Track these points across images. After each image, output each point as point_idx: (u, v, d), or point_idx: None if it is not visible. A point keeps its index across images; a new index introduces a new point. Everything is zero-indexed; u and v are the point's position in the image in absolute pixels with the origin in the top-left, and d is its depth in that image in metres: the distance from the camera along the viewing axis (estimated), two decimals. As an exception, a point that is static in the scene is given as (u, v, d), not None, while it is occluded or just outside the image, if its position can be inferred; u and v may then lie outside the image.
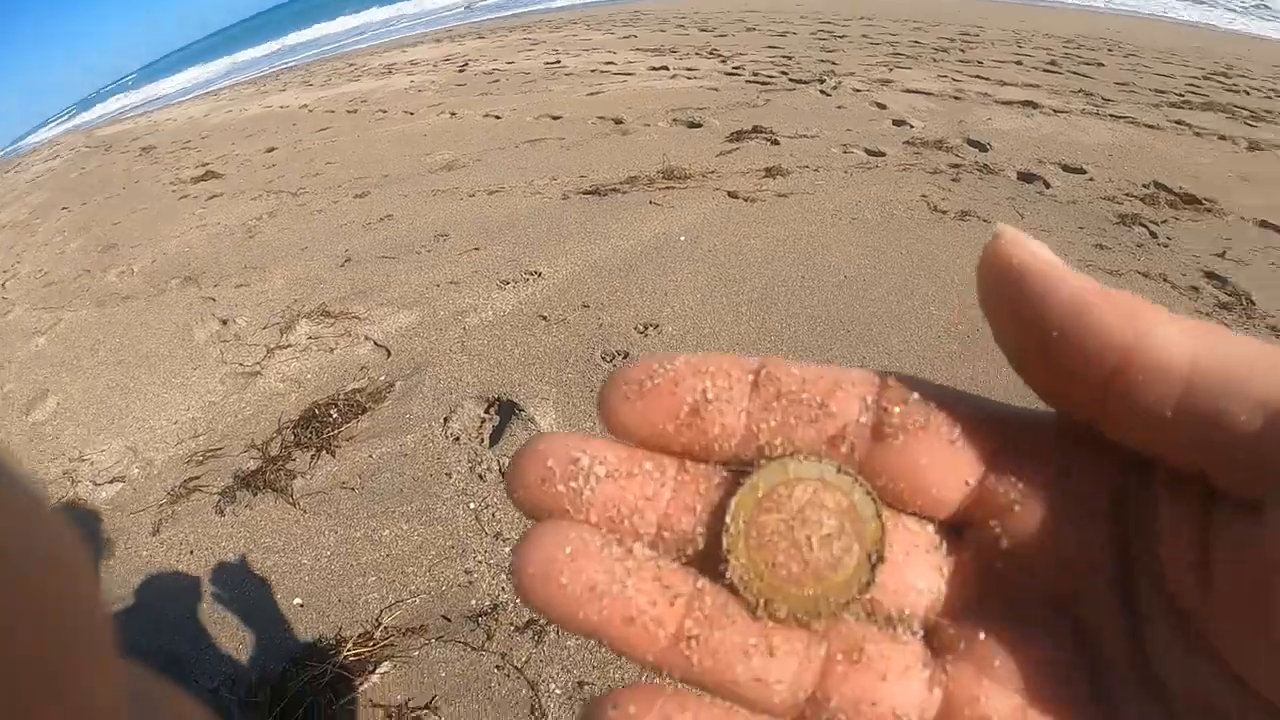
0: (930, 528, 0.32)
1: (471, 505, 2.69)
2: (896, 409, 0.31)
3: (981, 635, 0.30)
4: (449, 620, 2.30)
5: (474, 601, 2.34)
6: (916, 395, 0.31)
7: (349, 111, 9.82)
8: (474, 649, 2.20)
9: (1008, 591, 0.31)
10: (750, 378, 0.32)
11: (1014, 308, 0.29)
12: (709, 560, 0.31)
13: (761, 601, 0.30)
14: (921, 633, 0.31)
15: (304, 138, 8.77)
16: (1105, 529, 0.29)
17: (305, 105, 11.14)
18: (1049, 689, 0.29)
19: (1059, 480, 0.30)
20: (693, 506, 0.32)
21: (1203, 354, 0.26)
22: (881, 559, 0.31)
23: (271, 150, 8.40)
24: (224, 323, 4.28)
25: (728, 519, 0.31)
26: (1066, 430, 0.31)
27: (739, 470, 0.32)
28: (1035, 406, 0.33)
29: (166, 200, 7.25)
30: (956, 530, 0.32)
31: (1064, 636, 0.30)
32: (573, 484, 0.31)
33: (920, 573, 0.31)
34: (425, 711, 2.08)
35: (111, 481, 3.16)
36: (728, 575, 0.31)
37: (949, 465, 0.31)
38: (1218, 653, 0.26)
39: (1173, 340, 0.26)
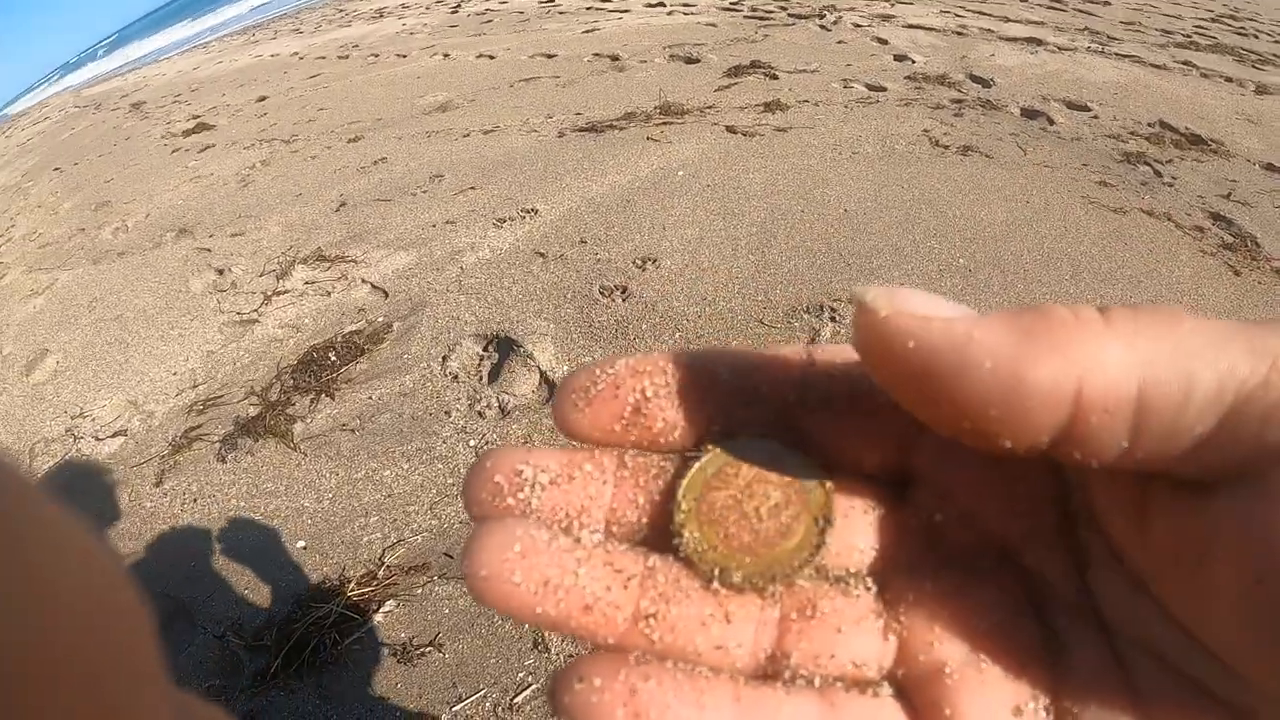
0: (874, 486, 0.33)
1: (472, 442, 2.67)
2: (826, 380, 0.33)
3: (929, 585, 0.31)
4: (451, 557, 2.29)
5: (477, 538, 2.33)
6: (845, 362, 0.32)
7: (340, 57, 9.69)
8: (477, 585, 2.19)
9: (954, 543, 0.32)
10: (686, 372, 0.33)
11: (926, 397, 0.27)
12: (659, 545, 0.32)
13: (716, 571, 0.31)
14: (874, 588, 0.32)
15: (296, 85, 8.66)
16: (1045, 481, 0.31)
17: (296, 53, 11.00)
18: (998, 632, 0.30)
19: None
20: (635, 499, 0.33)
21: (1148, 376, 0.24)
22: (829, 523, 0.32)
23: (263, 99, 8.30)
24: (220, 272, 4.24)
25: (678, 497, 0.32)
26: None
27: (685, 455, 0.33)
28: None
29: (158, 155, 7.17)
30: (901, 486, 0.33)
31: (1011, 583, 0.31)
32: (520, 495, 0.32)
33: (866, 531, 0.32)
34: (429, 648, 2.08)
35: (114, 436, 3.15)
36: (681, 550, 0.31)
37: (882, 427, 0.32)
38: (1157, 597, 0.27)
39: (1116, 373, 0.25)
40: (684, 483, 0.32)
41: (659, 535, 0.32)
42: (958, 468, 0.32)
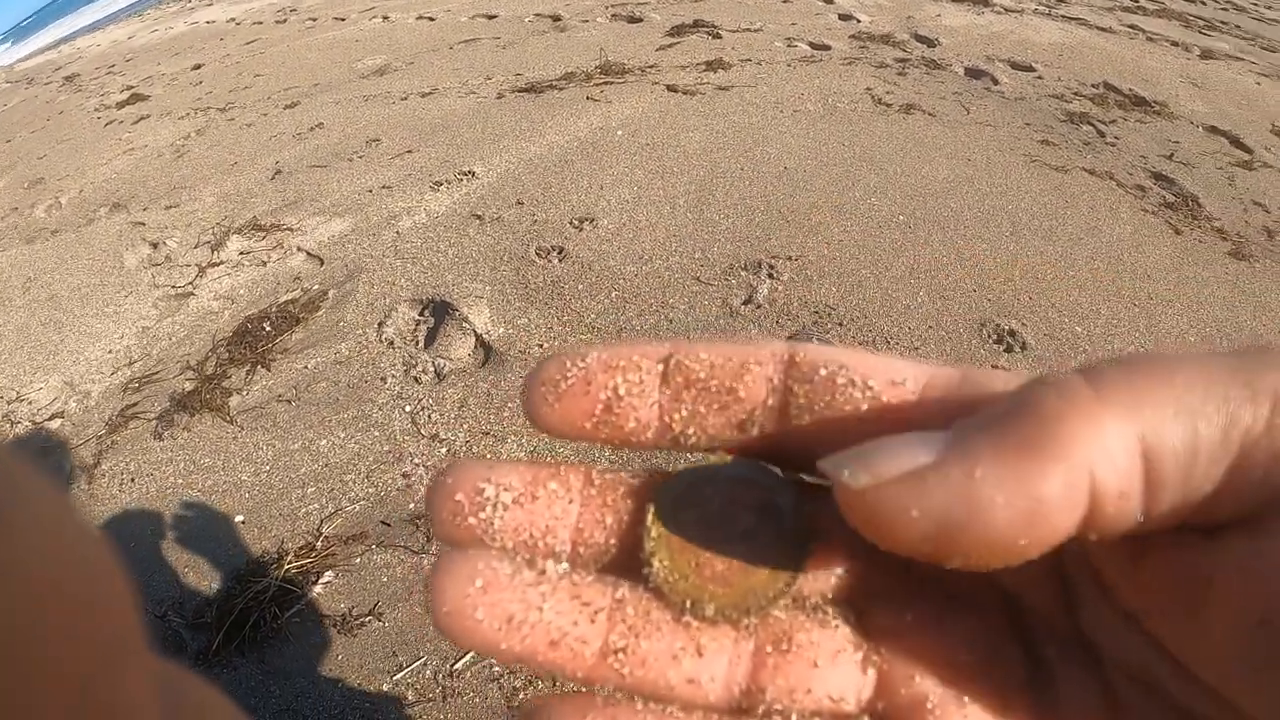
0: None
1: (408, 408, 2.66)
2: (802, 387, 0.30)
3: (909, 616, 0.30)
4: (389, 525, 2.28)
5: (413, 505, 2.33)
6: (823, 370, 0.30)
7: (278, 22, 9.50)
8: (414, 552, 2.20)
9: (934, 570, 0.29)
10: (660, 367, 0.31)
11: (943, 550, 0.25)
12: (628, 568, 0.31)
13: (688, 603, 0.30)
14: (852, 617, 0.31)
15: (232, 52, 8.48)
16: None
17: (233, 19, 10.75)
18: (982, 663, 0.29)
19: None
20: (602, 519, 0.31)
21: (1153, 445, 0.24)
22: (806, 550, 0.30)
23: (198, 67, 8.13)
24: (154, 246, 4.16)
25: (647, 522, 0.31)
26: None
27: (654, 473, 0.32)
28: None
29: (92, 128, 7.01)
30: None
31: (995, 611, 0.30)
32: (481, 515, 0.31)
33: (843, 556, 0.31)
34: (369, 618, 2.08)
35: (51, 419, 3.10)
36: (651, 580, 0.30)
37: (857, 441, 0.29)
38: (1149, 632, 0.27)
39: (1122, 456, 0.24)
40: (652, 505, 0.31)
41: (628, 557, 0.31)
42: None
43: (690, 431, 0.31)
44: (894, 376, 0.29)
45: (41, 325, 3.75)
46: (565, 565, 0.31)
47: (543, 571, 0.30)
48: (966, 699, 0.29)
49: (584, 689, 0.30)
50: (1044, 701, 0.29)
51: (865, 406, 0.29)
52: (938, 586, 0.30)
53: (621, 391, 0.31)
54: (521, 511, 0.31)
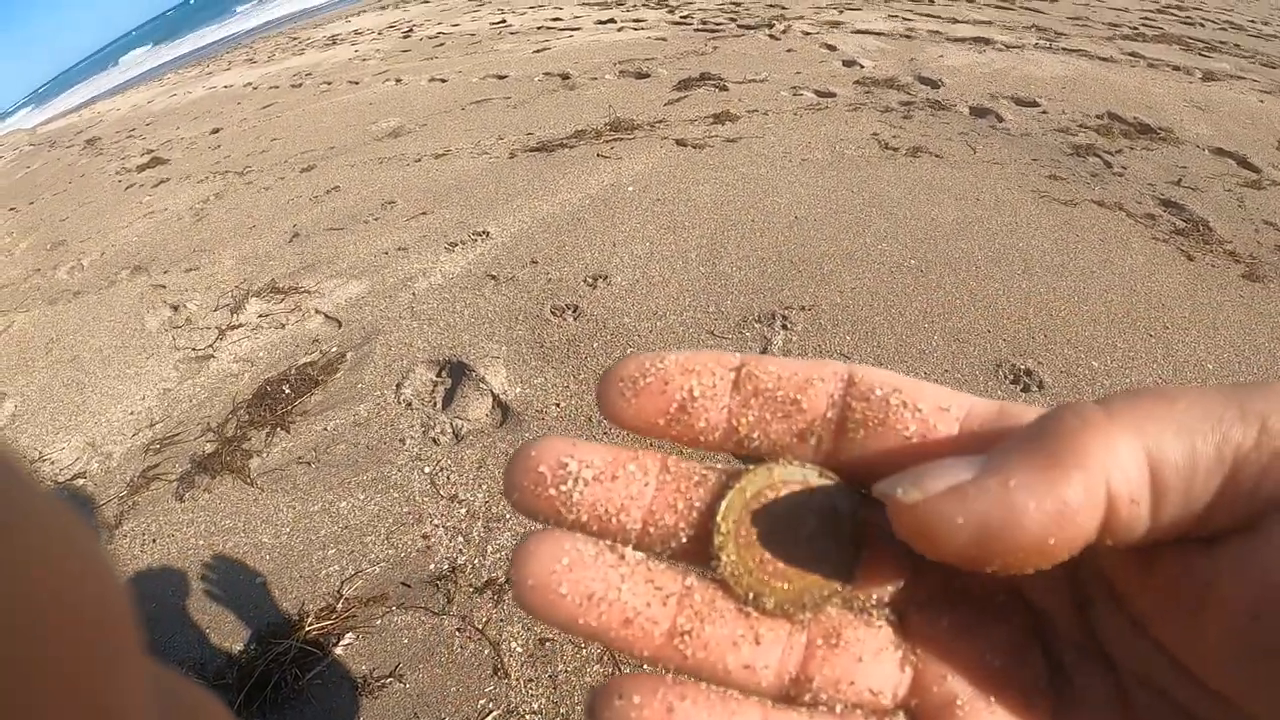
0: None
1: (426, 470, 2.68)
2: (859, 405, 0.33)
3: (945, 621, 0.33)
4: (409, 586, 2.30)
5: (432, 566, 2.34)
6: (879, 391, 0.33)
7: (293, 86, 9.65)
8: (434, 613, 2.21)
9: (966, 580, 0.33)
10: (732, 375, 0.34)
11: (983, 555, 0.29)
12: (696, 555, 0.34)
13: (750, 595, 0.33)
14: (894, 619, 0.34)
15: (249, 116, 8.61)
16: None
17: (250, 83, 10.94)
18: (1008, 667, 0.32)
19: None
20: (674, 504, 0.34)
21: (1157, 457, 0.27)
22: (860, 556, 0.33)
23: (216, 131, 8.26)
24: (175, 308, 4.22)
25: (718, 519, 0.33)
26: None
27: (727, 472, 0.34)
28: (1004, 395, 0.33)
29: (113, 191, 7.12)
30: None
31: (1019, 619, 0.33)
32: (563, 487, 0.33)
33: (891, 564, 0.34)
34: (390, 679, 2.08)
35: (73, 479, 3.12)
36: (719, 572, 0.33)
37: (904, 459, 0.32)
38: (1155, 637, 0.30)
39: (1131, 464, 0.27)
40: (724, 504, 0.33)
41: (695, 544, 0.33)
42: None
43: (755, 435, 0.34)
44: (941, 403, 0.33)
45: (64, 386, 3.79)
46: (640, 554, 0.33)
47: (622, 556, 0.33)
48: (993, 699, 0.32)
49: (649, 668, 0.32)
50: (1063, 703, 0.31)
51: (914, 427, 0.33)
52: (970, 598, 0.33)
53: (696, 393, 0.34)
54: (600, 488, 0.33)
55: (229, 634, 2.30)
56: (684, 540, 0.34)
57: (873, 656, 0.33)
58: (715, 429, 0.34)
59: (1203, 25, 7.90)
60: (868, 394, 0.33)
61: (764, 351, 2.99)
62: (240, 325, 3.86)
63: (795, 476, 0.34)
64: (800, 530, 0.33)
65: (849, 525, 0.33)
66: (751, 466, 0.34)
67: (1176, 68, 6.08)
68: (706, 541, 0.33)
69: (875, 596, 0.34)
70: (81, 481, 3.09)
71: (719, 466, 0.34)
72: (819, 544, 0.33)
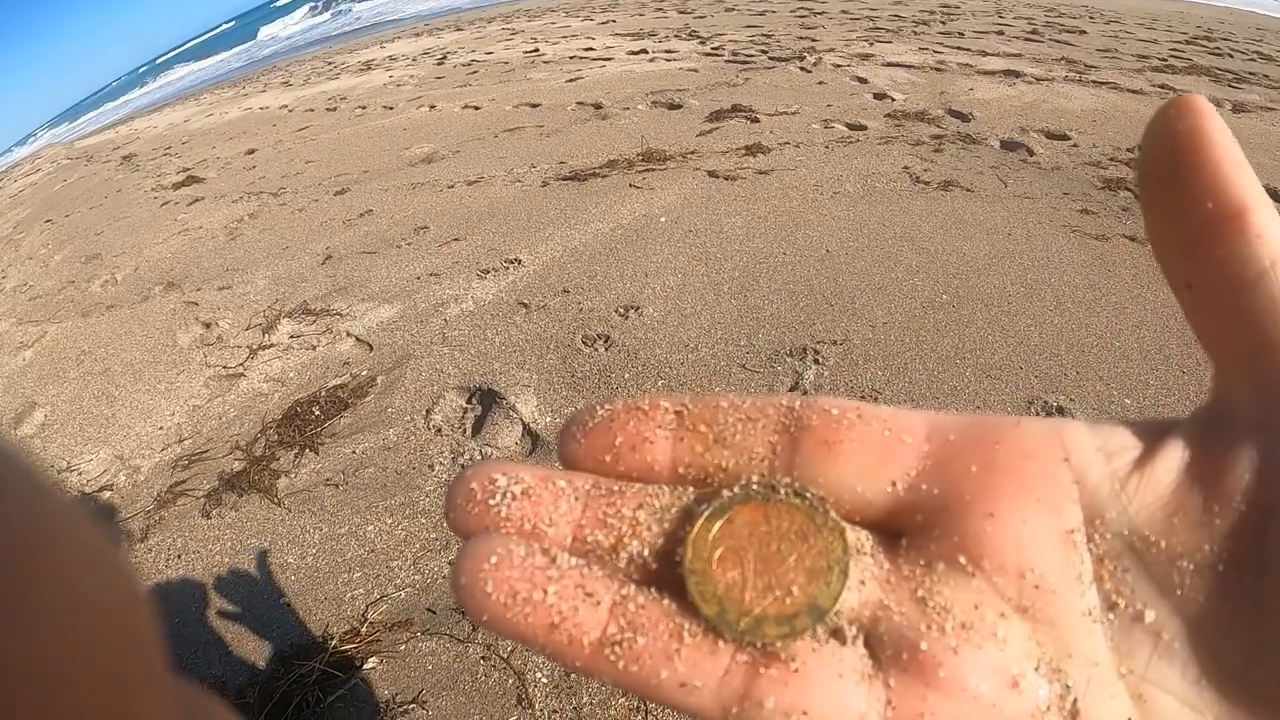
0: (865, 535, 0.33)
1: (455, 496, 2.68)
2: (815, 420, 0.33)
3: (923, 645, 0.30)
4: (434, 613, 2.29)
5: (459, 592, 2.33)
6: (835, 410, 0.33)
7: (328, 109, 9.78)
8: (459, 640, 2.20)
9: (951, 602, 0.31)
10: (676, 411, 0.34)
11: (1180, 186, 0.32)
12: (659, 577, 0.33)
13: (717, 617, 0.31)
14: (863, 643, 0.31)
15: (284, 138, 8.73)
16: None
17: (285, 105, 11.10)
18: (995, 694, 0.29)
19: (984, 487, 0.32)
20: (604, 520, 0.33)
21: None
22: (833, 578, 0.31)
23: (252, 152, 8.37)
24: (207, 326, 4.26)
25: (691, 537, 0.32)
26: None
27: (700, 495, 0.33)
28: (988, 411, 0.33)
29: (148, 207, 7.22)
30: (895, 536, 0.33)
31: (1016, 645, 0.30)
32: (491, 501, 0.33)
33: (859, 582, 0.32)
34: (413, 705, 2.07)
35: (100, 490, 3.15)
36: (687, 594, 0.31)
37: (869, 472, 0.32)
38: (1176, 656, 0.29)
39: (1270, 226, 0.30)
40: (695, 527, 0.32)
41: (664, 567, 0.32)
42: (946, 516, 0.32)
43: (704, 465, 0.34)
44: (899, 416, 0.33)
45: (94, 398, 3.83)
46: (577, 560, 0.32)
47: (554, 560, 0.32)
48: None
49: (581, 667, 0.31)
50: None
51: (874, 446, 0.32)
52: (954, 620, 0.30)
53: (643, 433, 0.34)
54: (527, 502, 0.33)
55: (251, 653, 2.30)
56: (658, 569, 0.32)
57: (831, 683, 0.30)
58: (663, 464, 0.34)
59: (1231, 56, 7.91)
60: (820, 414, 0.33)
61: (794, 386, 2.99)
62: (271, 345, 3.89)
63: (768, 497, 0.32)
64: (771, 550, 0.32)
65: (821, 544, 0.31)
66: (723, 491, 0.33)
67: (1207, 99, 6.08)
68: (665, 561, 0.32)
69: (846, 618, 0.31)
70: (108, 494, 3.11)
71: (678, 490, 0.34)
72: (789, 566, 0.31)
